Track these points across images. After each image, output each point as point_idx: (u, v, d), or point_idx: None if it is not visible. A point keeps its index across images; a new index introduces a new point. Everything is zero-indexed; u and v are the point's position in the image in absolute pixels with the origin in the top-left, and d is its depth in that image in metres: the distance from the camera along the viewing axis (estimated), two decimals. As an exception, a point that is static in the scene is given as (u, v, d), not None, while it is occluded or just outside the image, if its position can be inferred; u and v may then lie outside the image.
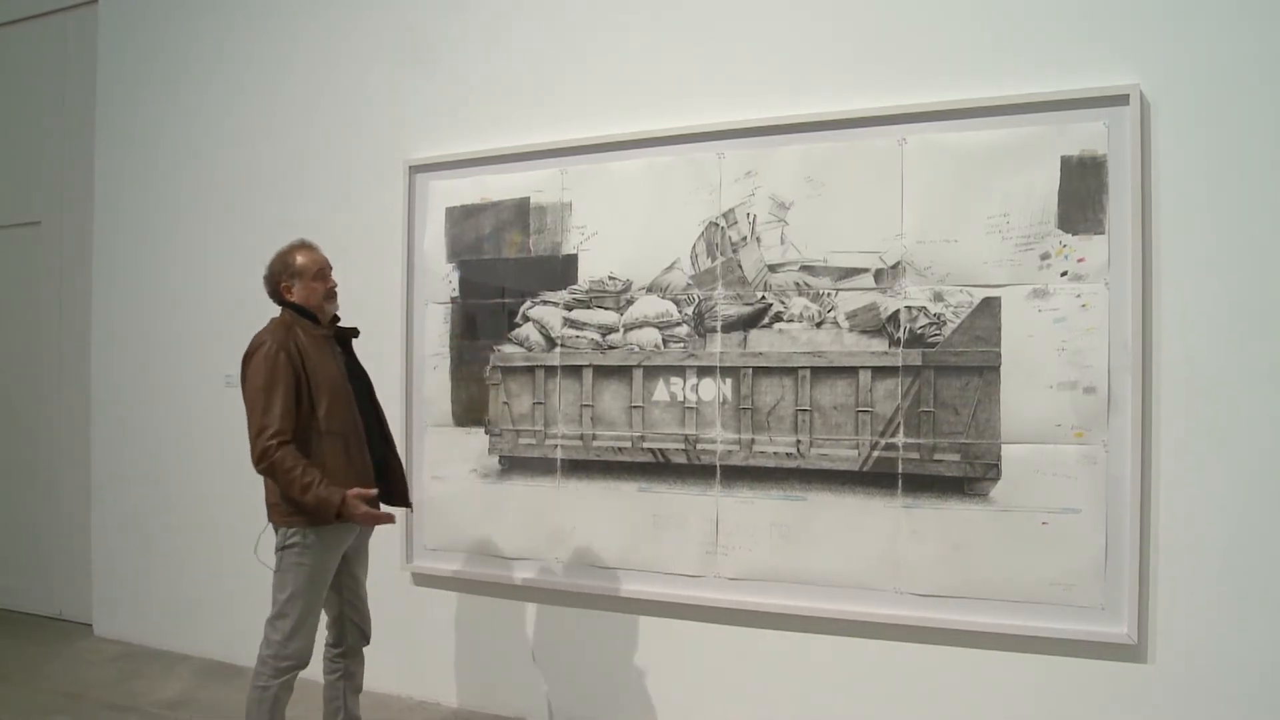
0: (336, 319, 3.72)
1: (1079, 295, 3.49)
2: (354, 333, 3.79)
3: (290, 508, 3.38)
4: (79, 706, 4.69)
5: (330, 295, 3.65)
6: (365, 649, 3.87)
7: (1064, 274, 3.51)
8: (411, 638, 4.77)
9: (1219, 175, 3.35)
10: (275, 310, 3.62)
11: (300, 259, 3.60)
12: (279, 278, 3.59)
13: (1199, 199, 3.37)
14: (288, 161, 5.18)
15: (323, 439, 3.44)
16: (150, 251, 5.57)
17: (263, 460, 3.30)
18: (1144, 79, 3.42)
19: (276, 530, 3.47)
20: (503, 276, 4.50)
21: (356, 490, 3.35)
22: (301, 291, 3.58)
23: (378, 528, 3.72)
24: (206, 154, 5.46)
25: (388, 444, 3.82)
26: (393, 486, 3.80)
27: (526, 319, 4.43)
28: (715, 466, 4.05)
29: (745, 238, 4.00)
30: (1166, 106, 3.41)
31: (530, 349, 4.42)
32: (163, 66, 5.63)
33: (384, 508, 3.65)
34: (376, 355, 4.73)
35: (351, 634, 3.80)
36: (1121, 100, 3.42)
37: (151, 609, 5.61)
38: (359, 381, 3.73)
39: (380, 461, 3.72)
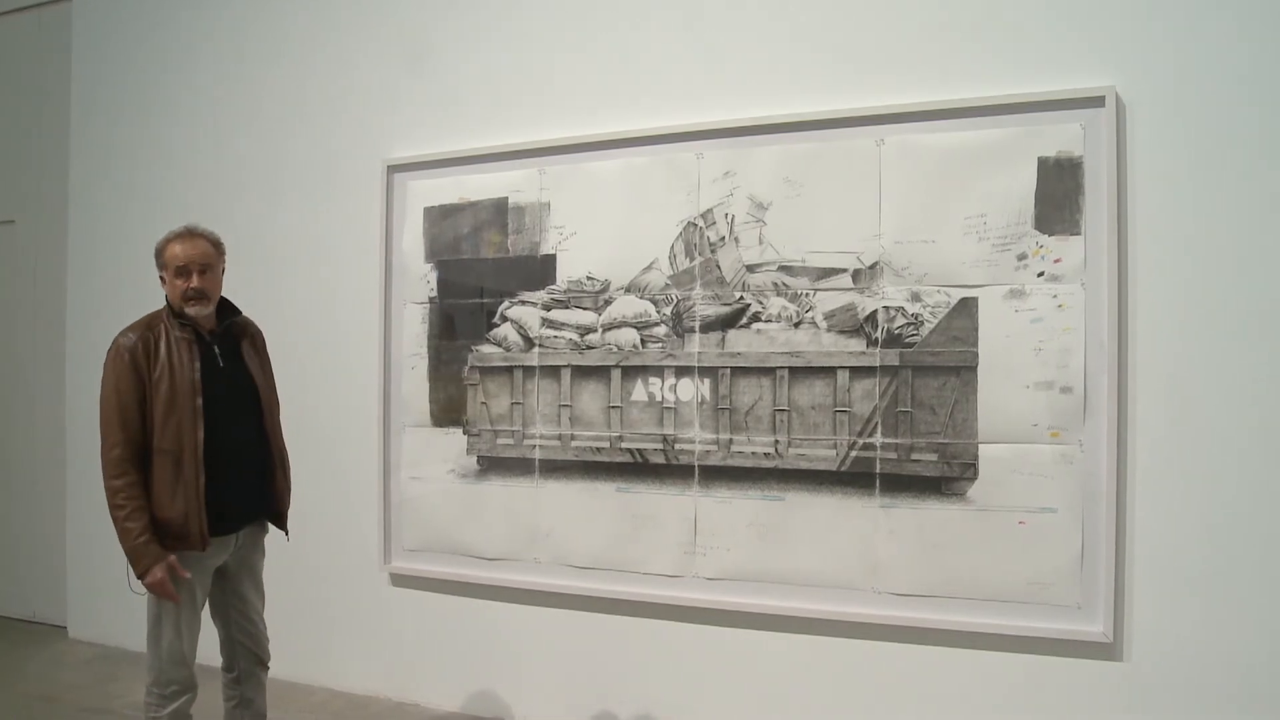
0: (234, 315, 3.50)
1: (1055, 296, 3.50)
2: (243, 330, 3.53)
3: None
4: (55, 710, 4.65)
5: (190, 297, 3.29)
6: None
7: (1041, 274, 3.52)
8: (390, 639, 4.76)
9: (1194, 176, 3.37)
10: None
11: (169, 250, 3.30)
12: (156, 263, 3.34)
13: (1174, 200, 3.39)
14: (265, 161, 5.15)
15: (154, 456, 3.19)
16: (125, 250, 5.51)
17: (106, 479, 3.16)
18: (1120, 81, 3.44)
19: None
20: (481, 276, 4.48)
21: (172, 562, 3.15)
22: (167, 286, 3.32)
23: (277, 537, 3.64)
24: (183, 153, 5.43)
25: (270, 462, 3.54)
26: (274, 508, 3.59)
27: (505, 319, 4.41)
28: (693, 466, 4.05)
29: (723, 238, 4.00)
30: (1142, 108, 3.43)
31: (508, 349, 4.41)
32: (138, 63, 5.58)
33: (271, 528, 3.60)
34: (354, 355, 4.75)
35: (243, 658, 3.58)
36: (1097, 102, 3.44)
37: (127, 610, 5.53)
38: (238, 388, 3.44)
39: (262, 478, 3.52)
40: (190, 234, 3.36)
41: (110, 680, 5.07)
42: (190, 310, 3.30)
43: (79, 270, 5.78)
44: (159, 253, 3.33)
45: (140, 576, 3.16)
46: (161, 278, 3.34)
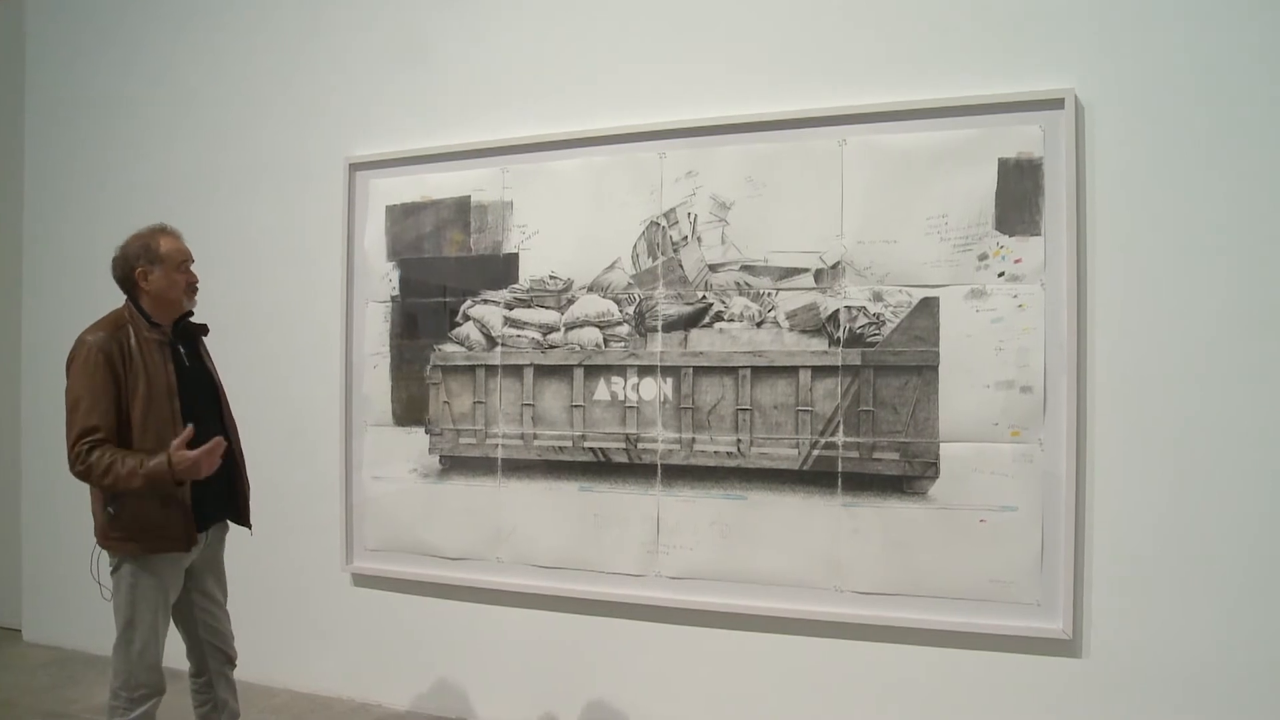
0: (186, 315, 3.42)
1: (1016, 296, 3.53)
2: (203, 330, 3.51)
3: (119, 534, 3.15)
4: (9, 715, 4.58)
5: (191, 290, 3.37)
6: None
7: (1001, 275, 3.54)
8: (352, 639, 4.73)
9: (1152, 178, 3.40)
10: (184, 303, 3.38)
11: (164, 244, 3.30)
12: (135, 261, 3.26)
13: (1132, 201, 3.42)
14: (226, 159, 5.10)
15: None
16: (82, 250, 5.42)
17: (78, 462, 3.03)
18: (1079, 83, 3.47)
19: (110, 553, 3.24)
20: (443, 275, 4.46)
21: (176, 443, 3.03)
22: (161, 281, 3.27)
23: (236, 536, 3.59)
24: (141, 151, 5.35)
25: (234, 458, 3.47)
26: (238, 504, 3.54)
27: (467, 318, 4.40)
28: (656, 466, 4.05)
29: (686, 237, 4.00)
30: (1101, 110, 3.45)
31: (471, 348, 4.39)
32: (93, 59, 5.50)
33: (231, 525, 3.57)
34: (316, 354, 4.71)
35: (213, 658, 3.51)
36: (1057, 104, 3.46)
37: (84, 613, 5.47)
38: (203, 387, 3.44)
39: (227, 476, 3.42)
40: (170, 230, 3.38)
41: (68, 684, 5.01)
42: (187, 301, 3.36)
43: (34, 268, 5.70)
44: (148, 247, 3.27)
45: (183, 479, 3.07)
46: (143, 273, 3.26)
